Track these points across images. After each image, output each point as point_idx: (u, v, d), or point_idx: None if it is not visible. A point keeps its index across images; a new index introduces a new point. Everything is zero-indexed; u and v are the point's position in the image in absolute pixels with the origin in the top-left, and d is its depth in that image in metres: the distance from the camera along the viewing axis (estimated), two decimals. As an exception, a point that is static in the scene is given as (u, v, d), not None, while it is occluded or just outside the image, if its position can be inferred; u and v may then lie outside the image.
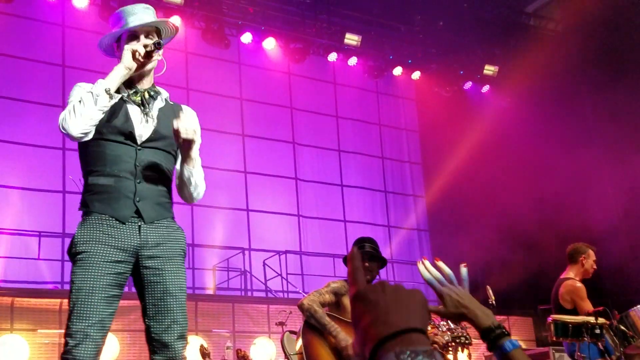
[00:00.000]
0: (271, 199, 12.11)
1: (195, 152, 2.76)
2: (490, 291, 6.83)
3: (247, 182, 11.96)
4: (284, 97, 12.59)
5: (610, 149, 10.84)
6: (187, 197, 2.91)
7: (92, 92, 2.60)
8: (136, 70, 2.73)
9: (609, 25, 10.57)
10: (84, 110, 2.57)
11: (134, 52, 2.70)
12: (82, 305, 2.52)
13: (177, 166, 2.86)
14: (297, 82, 12.72)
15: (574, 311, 5.33)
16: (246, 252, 11.19)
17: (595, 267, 5.66)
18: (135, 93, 2.79)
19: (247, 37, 10.96)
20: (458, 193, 12.06)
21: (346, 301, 4.33)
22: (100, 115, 2.61)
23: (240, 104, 12.15)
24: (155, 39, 2.82)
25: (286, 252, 11.36)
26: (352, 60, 11.83)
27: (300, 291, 9.17)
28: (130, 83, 2.80)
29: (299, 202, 12.38)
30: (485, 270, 11.84)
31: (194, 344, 8.06)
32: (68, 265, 10.24)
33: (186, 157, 2.75)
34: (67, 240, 10.29)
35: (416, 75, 12.39)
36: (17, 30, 10.33)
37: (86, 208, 2.67)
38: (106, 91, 2.61)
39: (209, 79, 11.78)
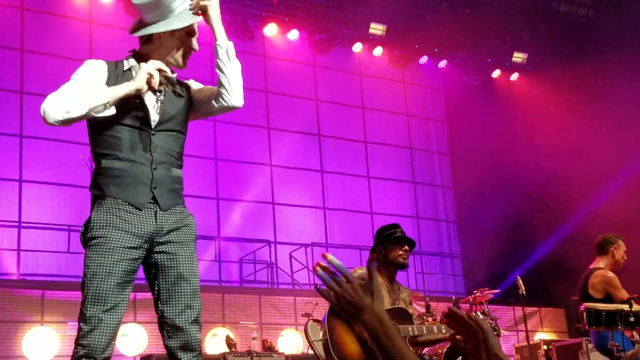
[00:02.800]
0: (297, 192, 12.09)
1: (216, 22, 2.84)
2: (521, 281, 6.73)
3: (273, 174, 11.95)
4: (309, 89, 12.53)
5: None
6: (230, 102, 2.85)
7: (91, 96, 2.53)
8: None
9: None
10: (72, 107, 2.51)
11: (150, 76, 2.63)
12: (97, 291, 2.51)
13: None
14: (322, 73, 12.66)
15: (605, 301, 5.20)
16: (272, 245, 11.19)
17: (625, 258, 5.54)
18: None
19: (271, 29, 10.93)
20: (487, 183, 11.90)
21: (371, 288, 4.29)
22: (85, 118, 2.56)
23: (265, 96, 12.13)
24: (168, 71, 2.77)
25: (312, 244, 11.34)
26: (378, 51, 11.72)
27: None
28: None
29: (324, 194, 12.34)
30: (515, 261, 11.69)
31: (221, 335, 8.10)
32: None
33: (213, 34, 2.79)
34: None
35: (443, 63, 12.23)
36: (44, 27, 10.45)
37: (100, 191, 2.62)
38: (105, 104, 2.54)
39: (234, 71, 11.78)
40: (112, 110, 2.58)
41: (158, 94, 2.72)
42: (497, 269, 11.62)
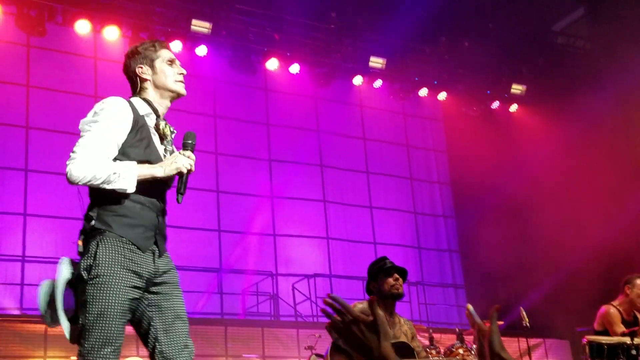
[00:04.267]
0: (299, 222, 12.14)
1: None
2: (524, 313, 6.72)
3: (274, 206, 12.02)
4: (310, 121, 12.67)
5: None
6: None
7: (119, 178, 2.54)
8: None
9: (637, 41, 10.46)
10: (99, 179, 2.52)
11: (181, 170, 2.66)
12: (106, 331, 2.51)
13: None
14: (323, 105, 12.80)
15: (603, 334, 5.25)
16: (275, 277, 11.20)
17: None
18: (164, 124, 2.80)
19: (273, 64, 11.09)
20: (488, 213, 11.94)
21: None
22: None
23: (266, 129, 12.26)
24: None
25: (315, 275, 11.34)
26: (377, 83, 11.88)
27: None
28: (155, 110, 2.80)
29: (327, 224, 12.38)
30: (518, 293, 11.66)
31: (224, 369, 8.07)
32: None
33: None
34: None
35: (442, 95, 12.38)
36: (49, 63, 10.61)
37: (105, 227, 2.59)
38: (125, 189, 2.56)
39: (236, 105, 11.94)
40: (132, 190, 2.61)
41: (162, 141, 2.80)
42: (500, 299, 11.58)
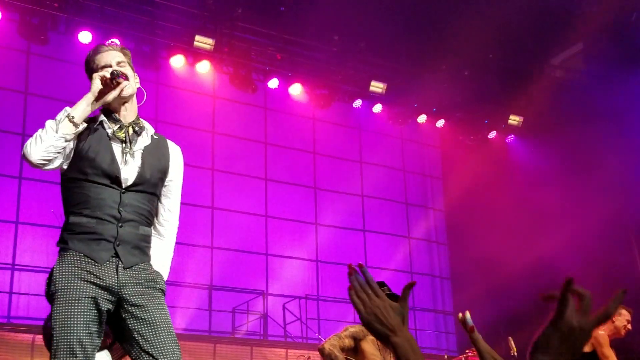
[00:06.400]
0: (291, 243, 12.12)
1: None
2: (512, 342, 6.71)
3: (268, 225, 12.00)
4: (307, 142, 12.71)
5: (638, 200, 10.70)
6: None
7: (55, 119, 2.60)
8: (101, 97, 2.69)
9: (637, 77, 10.58)
10: (45, 136, 2.56)
11: (101, 78, 2.69)
12: (68, 342, 2.48)
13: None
14: (322, 127, 12.85)
15: (593, 353, 5.28)
16: (266, 296, 11.15)
17: (629, 327, 5.58)
18: (120, 129, 2.74)
19: (273, 83, 11.15)
20: (481, 241, 11.95)
21: (365, 346, 4.30)
22: (63, 144, 2.59)
23: (264, 148, 12.29)
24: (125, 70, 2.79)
25: (306, 297, 11.29)
26: (377, 108, 11.94)
27: (319, 337, 9.08)
28: (114, 118, 2.76)
29: (318, 246, 12.37)
30: (508, 322, 11.64)
31: (211, 387, 8.00)
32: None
33: None
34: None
35: (441, 123, 12.44)
36: (49, 71, 10.64)
37: (64, 245, 2.64)
38: (69, 118, 2.59)
39: (235, 122, 11.97)
40: (83, 126, 2.63)
41: (132, 154, 2.73)
42: (489, 328, 11.55)
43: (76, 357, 2.48)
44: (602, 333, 5.43)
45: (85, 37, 9.75)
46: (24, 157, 2.57)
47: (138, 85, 2.85)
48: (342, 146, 12.99)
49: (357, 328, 4.35)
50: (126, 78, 2.73)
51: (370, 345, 4.35)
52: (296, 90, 11.38)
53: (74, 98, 2.67)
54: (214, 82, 11.39)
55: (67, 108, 2.64)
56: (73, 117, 2.60)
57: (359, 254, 12.66)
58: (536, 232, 11.26)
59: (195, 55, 10.37)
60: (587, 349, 5.39)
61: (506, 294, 11.75)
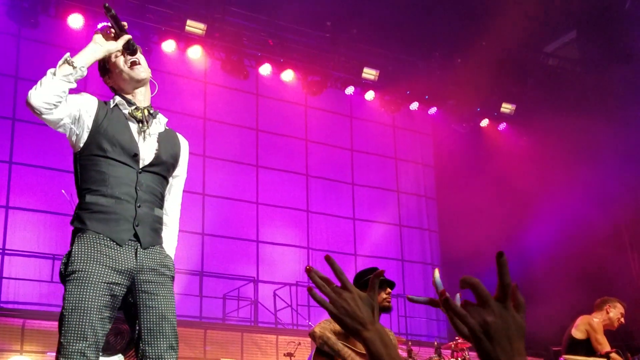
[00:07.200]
0: (282, 230, 12.12)
1: None
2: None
3: (259, 212, 11.99)
4: (299, 129, 12.68)
5: (627, 189, 10.76)
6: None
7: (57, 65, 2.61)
8: (104, 46, 2.72)
9: (630, 66, 10.59)
10: (45, 80, 2.56)
11: (103, 29, 2.73)
12: (79, 325, 2.48)
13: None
14: (314, 114, 12.82)
15: (585, 343, 5.31)
16: (257, 282, 11.17)
17: (622, 321, 5.60)
18: (137, 109, 2.77)
19: (265, 69, 11.09)
20: (473, 229, 11.99)
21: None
22: (63, 87, 2.57)
23: (256, 134, 12.25)
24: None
25: (297, 284, 11.31)
26: (370, 95, 11.91)
27: (309, 323, 9.11)
28: (129, 101, 2.80)
29: (309, 234, 12.38)
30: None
31: (201, 372, 8.02)
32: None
33: None
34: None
35: (433, 110, 12.43)
36: (40, 56, 10.53)
37: (82, 225, 2.62)
38: (69, 62, 2.59)
39: (227, 108, 11.92)
40: (83, 71, 2.63)
41: (148, 132, 2.77)
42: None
43: (86, 340, 2.47)
44: (597, 320, 5.45)
45: (75, 20, 9.66)
46: (27, 104, 2.56)
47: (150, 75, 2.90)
48: (334, 133, 12.96)
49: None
50: (136, 53, 2.80)
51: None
52: (288, 76, 11.33)
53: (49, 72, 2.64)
54: (206, 68, 11.33)
55: (68, 54, 2.65)
56: (73, 61, 2.61)
57: (349, 242, 12.69)
58: (526, 221, 11.31)
59: (186, 40, 10.29)
60: (581, 335, 5.40)
61: (496, 282, 11.80)
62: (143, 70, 2.80)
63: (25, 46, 10.52)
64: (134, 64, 2.77)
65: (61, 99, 2.58)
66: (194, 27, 10.03)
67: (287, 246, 12.12)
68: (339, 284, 1.35)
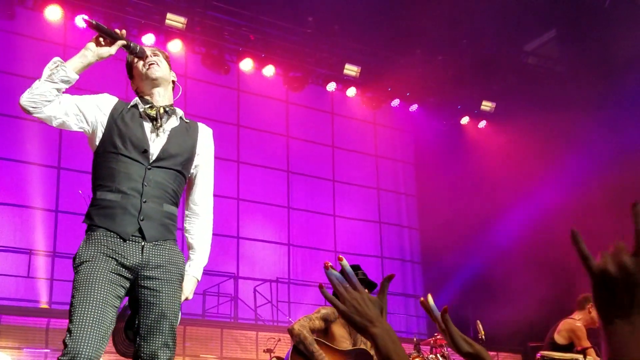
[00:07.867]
0: (262, 226, 12.09)
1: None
2: (481, 326, 6.78)
3: (240, 208, 11.94)
4: (280, 125, 12.64)
5: (609, 187, 10.86)
6: None
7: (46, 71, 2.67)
8: (96, 51, 2.76)
9: (609, 65, 10.69)
10: (35, 83, 2.64)
11: (94, 41, 2.78)
12: (86, 312, 2.50)
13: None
14: (295, 110, 12.79)
15: (568, 348, 5.31)
16: (236, 278, 11.13)
17: None
18: (151, 107, 2.83)
19: (246, 64, 11.04)
20: (452, 227, 12.05)
21: (335, 328, 4.31)
22: (48, 87, 2.63)
23: (237, 130, 12.18)
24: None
25: (277, 280, 11.29)
26: (351, 91, 11.91)
27: (290, 319, 9.10)
28: (147, 100, 2.86)
29: (289, 230, 12.36)
30: (476, 305, 11.79)
31: (180, 369, 7.97)
32: (57, 284, 10.12)
33: None
34: (58, 260, 10.23)
35: (414, 107, 12.46)
36: (18, 48, 10.38)
37: (90, 221, 2.69)
38: (54, 62, 2.65)
39: (207, 103, 11.83)
40: (73, 75, 2.68)
41: (162, 129, 2.81)
42: (459, 312, 11.70)
43: (91, 324, 2.49)
44: (579, 325, 5.45)
45: (53, 12, 9.52)
46: (19, 105, 2.65)
47: (174, 78, 3.02)
48: (315, 130, 12.94)
49: (329, 310, 4.35)
50: (144, 55, 2.85)
51: (340, 328, 4.36)
52: (269, 72, 11.28)
53: (40, 75, 2.64)
54: (186, 62, 11.23)
55: (56, 57, 2.72)
56: (58, 62, 2.67)
57: (329, 239, 12.69)
58: (505, 217, 11.39)
59: (166, 33, 10.19)
60: (563, 341, 5.42)
61: (476, 278, 11.89)
62: (157, 70, 2.87)
63: (1, 38, 10.34)
64: (151, 65, 2.86)
65: (47, 98, 2.63)
66: (174, 20, 9.94)
67: (268, 242, 12.09)
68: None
